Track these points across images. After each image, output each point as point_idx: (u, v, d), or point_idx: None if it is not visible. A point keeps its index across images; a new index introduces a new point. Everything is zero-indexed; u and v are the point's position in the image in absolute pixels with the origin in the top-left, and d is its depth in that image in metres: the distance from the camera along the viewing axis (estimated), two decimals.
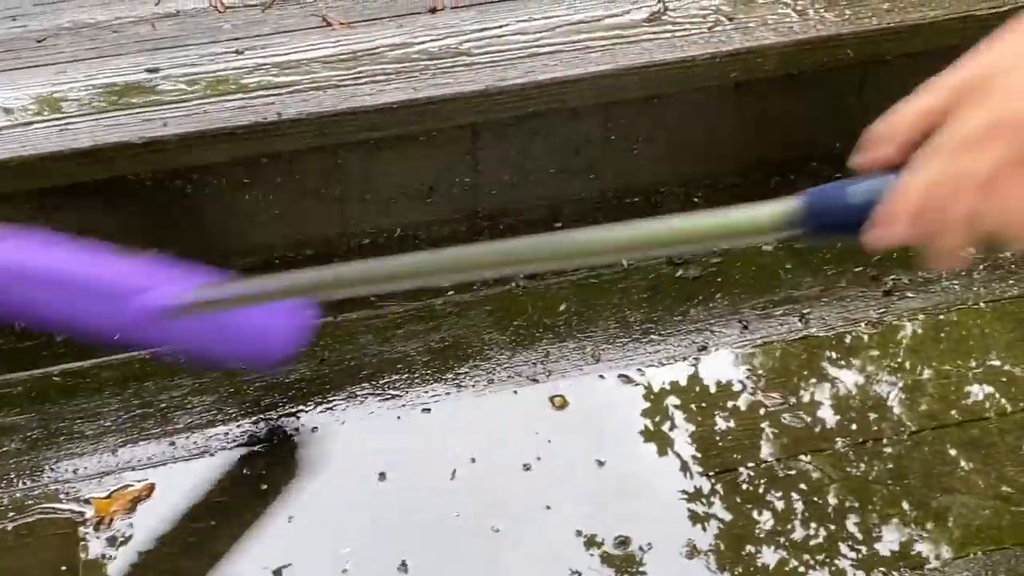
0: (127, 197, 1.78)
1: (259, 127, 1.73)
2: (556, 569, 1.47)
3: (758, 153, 2.02)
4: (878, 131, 0.86)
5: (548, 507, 1.54)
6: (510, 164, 1.92)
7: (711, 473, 1.58)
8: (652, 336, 1.77)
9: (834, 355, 1.73)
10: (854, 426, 1.63)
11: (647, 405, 1.67)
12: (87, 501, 1.56)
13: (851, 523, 1.52)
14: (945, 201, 0.79)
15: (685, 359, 1.74)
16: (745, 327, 1.77)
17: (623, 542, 1.49)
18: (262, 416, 1.66)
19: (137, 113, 1.74)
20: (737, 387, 1.69)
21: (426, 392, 1.70)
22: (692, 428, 1.64)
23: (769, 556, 1.49)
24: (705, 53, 1.85)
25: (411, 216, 1.93)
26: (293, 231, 1.89)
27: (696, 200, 2.00)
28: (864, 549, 1.49)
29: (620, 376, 1.71)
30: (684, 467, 1.58)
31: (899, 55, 1.95)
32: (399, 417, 1.66)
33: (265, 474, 1.59)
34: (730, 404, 1.67)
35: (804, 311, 1.79)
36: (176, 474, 1.59)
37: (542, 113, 1.85)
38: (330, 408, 1.68)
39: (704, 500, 1.55)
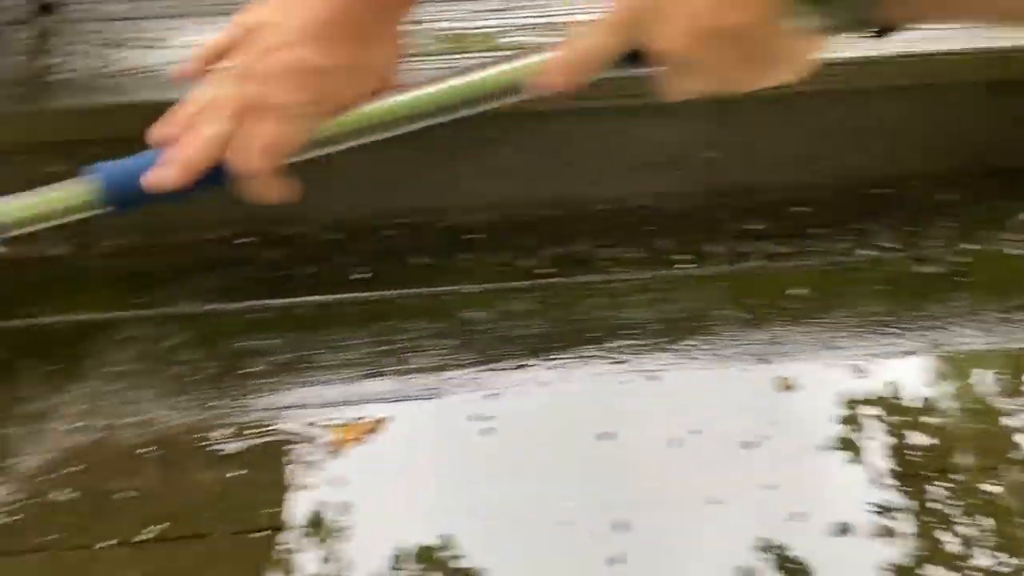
0: None
1: None
2: (768, 552, 1.47)
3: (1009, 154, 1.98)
4: (193, 53, 0.96)
5: (766, 487, 1.55)
6: (756, 143, 1.93)
7: (931, 475, 1.56)
8: (888, 329, 1.75)
9: None
10: None
11: (877, 398, 1.66)
12: (325, 427, 1.63)
13: None
14: (203, 117, 0.90)
15: (920, 356, 1.72)
16: (987, 330, 1.75)
17: (843, 529, 1.49)
18: (492, 366, 1.71)
19: None
20: (974, 391, 1.67)
21: (654, 360, 1.72)
22: (920, 429, 1.62)
23: None
24: (968, 48, 1.82)
25: (654, 187, 1.95)
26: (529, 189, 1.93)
27: (938, 196, 1.97)
28: None
29: (851, 366, 1.70)
30: (905, 468, 1.57)
31: None
32: (625, 381, 1.69)
33: (492, 421, 1.63)
34: (962, 407, 1.65)
35: None
36: (408, 411, 1.65)
37: (802, 94, 1.84)
38: (558, 366, 1.71)
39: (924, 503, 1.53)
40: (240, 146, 0.90)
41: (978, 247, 1.86)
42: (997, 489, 1.54)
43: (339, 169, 1.83)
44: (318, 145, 0.92)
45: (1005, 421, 1.63)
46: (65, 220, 0.95)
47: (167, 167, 0.91)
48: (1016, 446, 1.60)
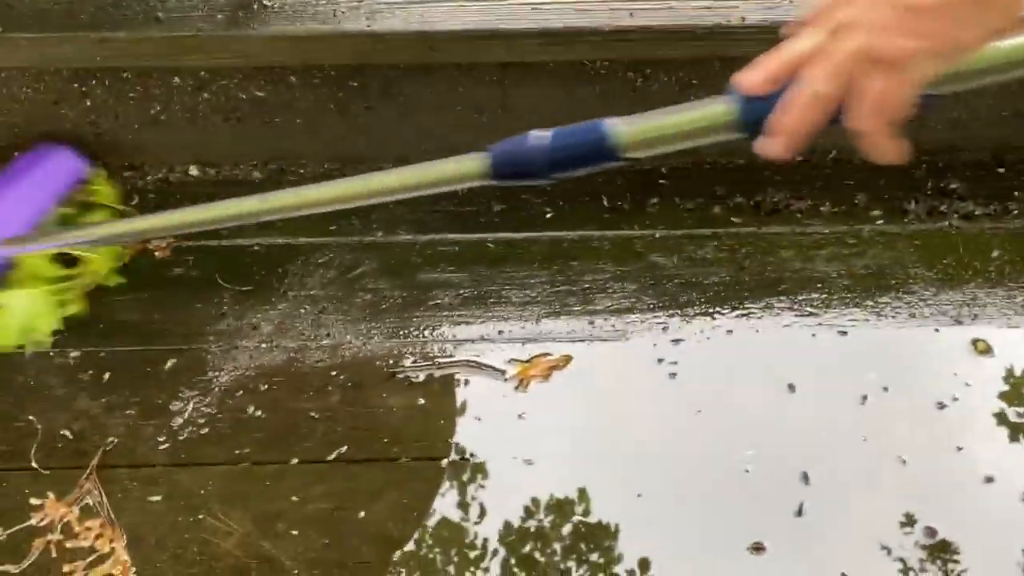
0: (581, 81, 1.84)
1: (720, 29, 1.74)
2: (958, 510, 1.44)
3: None
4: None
5: (959, 448, 1.51)
6: (961, 100, 1.87)
7: None
8: None
9: None
10: None
11: None
12: (509, 361, 1.64)
13: None
14: (807, 72, 0.85)
15: None
16: None
17: None
18: (678, 311, 1.70)
19: (606, 2, 1.78)
20: None
21: (844, 315, 1.69)
22: None
23: None
24: None
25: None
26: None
27: None
28: None
29: None
30: None
31: None
32: (814, 335, 1.66)
33: (676, 365, 1.63)
34: None
35: None
36: (593, 351, 1.65)
37: None
38: (746, 315, 1.69)
39: None
40: (852, 105, 0.83)
41: None
42: None
43: (526, 107, 1.85)
44: (938, 91, 0.85)
45: None
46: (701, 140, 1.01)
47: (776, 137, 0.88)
48: None
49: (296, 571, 1.42)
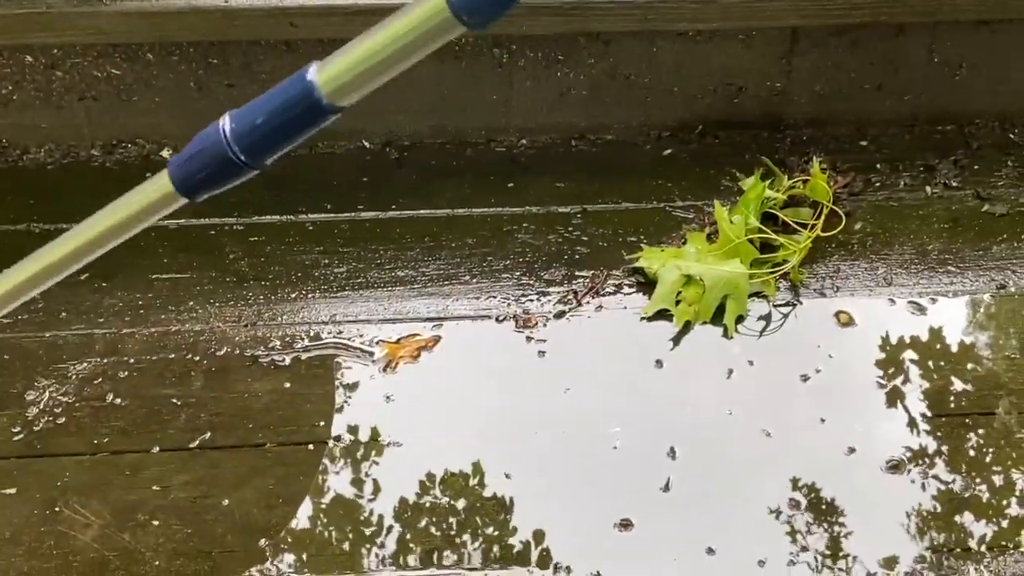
0: (446, 58, 1.82)
1: (585, 4, 1.74)
2: (825, 480, 1.46)
3: None
4: None
5: (822, 420, 1.53)
6: (823, 75, 1.89)
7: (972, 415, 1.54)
8: (949, 267, 1.72)
9: None
10: None
11: (935, 335, 1.63)
12: (377, 343, 1.62)
13: None
14: None
15: (981, 295, 1.69)
16: None
17: (895, 466, 1.47)
18: (546, 289, 1.69)
19: None
20: None
21: None
22: (977, 365, 1.60)
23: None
24: None
25: (715, 115, 1.92)
26: (597, 113, 1.91)
27: (1013, 136, 1.93)
28: None
29: (911, 303, 1.67)
30: (947, 410, 1.54)
31: None
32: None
33: (545, 343, 1.62)
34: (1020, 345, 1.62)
35: None
36: (462, 331, 1.64)
37: (867, 25, 1.80)
38: (613, 292, 1.69)
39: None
40: None
41: None
42: None
43: (403, 89, 1.83)
44: None
45: None
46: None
47: None
48: None
49: (157, 562, 1.38)
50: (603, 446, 1.50)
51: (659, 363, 1.59)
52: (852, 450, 1.49)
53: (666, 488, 1.45)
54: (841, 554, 1.38)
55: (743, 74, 1.88)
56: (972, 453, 1.49)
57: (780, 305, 1.67)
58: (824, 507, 1.43)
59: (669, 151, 1.92)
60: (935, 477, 1.46)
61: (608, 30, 1.79)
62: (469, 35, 1.78)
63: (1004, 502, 1.43)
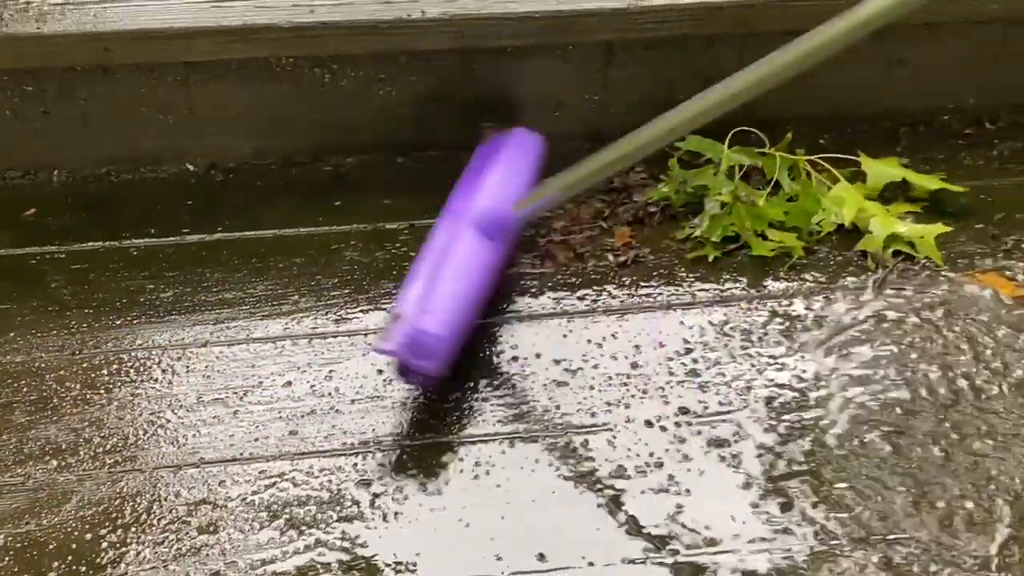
0: (267, 79, 1.83)
1: (401, 23, 1.76)
2: None
3: (892, 101, 2.01)
4: None
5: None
6: (639, 86, 1.94)
7: None
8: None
9: None
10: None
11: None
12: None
13: None
14: None
15: None
16: None
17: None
18: (377, 303, 1.70)
19: None
20: None
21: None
22: None
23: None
24: None
25: (536, 128, 1.95)
26: (421, 130, 1.93)
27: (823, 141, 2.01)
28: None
29: None
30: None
31: None
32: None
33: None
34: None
35: None
36: (298, 351, 1.64)
37: (679, 37, 1.86)
38: None
39: None
40: None
41: None
42: None
43: (212, 106, 1.82)
44: None
45: None
46: None
47: None
48: None
49: None
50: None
51: None
52: None
53: None
54: None
55: (562, 88, 1.92)
56: None
57: None
58: None
59: None
60: None
61: (427, 48, 1.81)
62: (288, 55, 1.79)
63: None
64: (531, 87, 1.91)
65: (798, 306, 1.73)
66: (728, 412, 1.58)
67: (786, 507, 1.47)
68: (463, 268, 1.59)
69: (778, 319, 1.71)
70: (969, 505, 1.47)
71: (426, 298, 1.54)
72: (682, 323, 1.70)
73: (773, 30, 1.86)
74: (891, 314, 1.72)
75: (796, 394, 1.60)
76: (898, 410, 1.59)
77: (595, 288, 1.75)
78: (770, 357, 1.65)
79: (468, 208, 1.66)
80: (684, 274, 1.78)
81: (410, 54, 1.83)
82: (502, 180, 1.70)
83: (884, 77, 1.99)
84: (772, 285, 1.76)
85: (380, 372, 1.62)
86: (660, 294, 1.74)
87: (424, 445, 1.54)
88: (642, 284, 1.76)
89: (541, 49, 1.85)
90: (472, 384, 1.61)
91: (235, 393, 1.59)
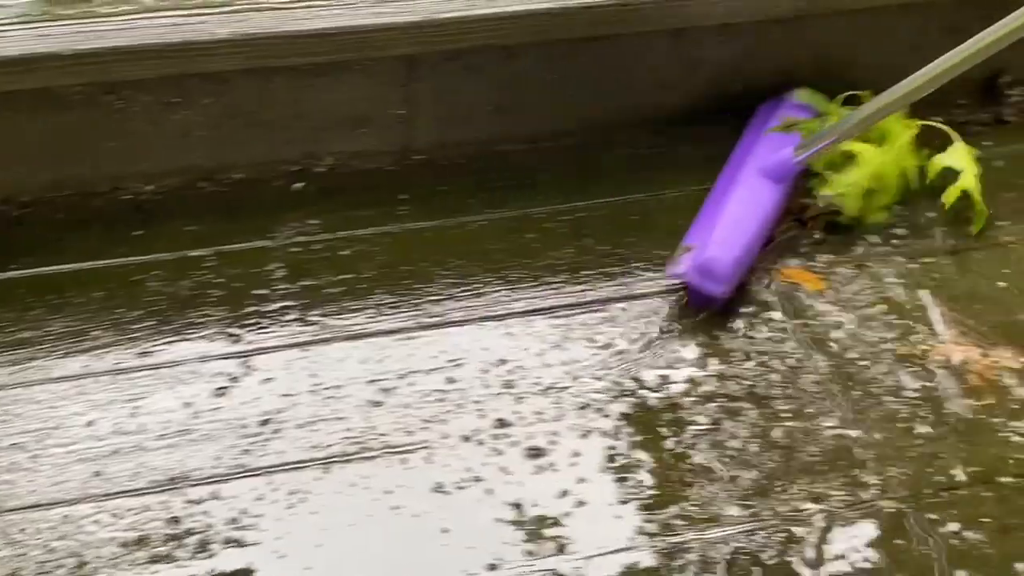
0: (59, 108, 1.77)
1: (189, 46, 1.72)
2: None
3: (691, 100, 2.03)
4: None
5: None
6: (445, 99, 1.92)
7: None
8: None
9: None
10: None
11: None
12: None
13: None
14: None
15: None
16: None
17: None
18: (177, 334, 1.66)
19: (69, 25, 1.72)
20: None
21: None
22: None
23: None
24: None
25: (342, 146, 1.93)
26: (223, 153, 1.88)
27: (634, 146, 2.02)
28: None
29: None
30: None
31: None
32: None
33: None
34: None
35: None
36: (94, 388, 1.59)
37: (479, 49, 1.85)
38: (252, 326, 1.68)
39: None
40: None
41: None
42: None
43: (15, 143, 1.76)
44: None
45: None
46: None
47: None
48: None
49: None
50: None
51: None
52: None
53: None
54: None
55: (365, 104, 1.90)
56: None
57: None
58: None
59: (300, 185, 1.92)
60: None
61: (219, 69, 1.77)
62: (75, 83, 1.73)
63: None
64: (333, 104, 1.88)
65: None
66: (544, 421, 1.58)
67: (605, 513, 1.47)
68: (747, 205, 1.79)
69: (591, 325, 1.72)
70: None
71: (714, 229, 1.74)
72: (502, 335, 1.69)
73: (577, 36, 1.89)
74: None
75: (611, 399, 1.61)
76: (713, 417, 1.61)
77: (413, 303, 1.73)
78: (583, 365, 1.66)
79: (751, 156, 1.86)
80: (498, 284, 1.77)
81: (203, 76, 1.79)
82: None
83: None
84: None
85: (187, 405, 1.57)
86: (474, 308, 1.73)
87: (236, 476, 1.50)
88: (458, 297, 1.75)
89: (340, 65, 1.82)
90: (286, 409, 1.57)
91: (34, 436, 1.53)
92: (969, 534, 1.47)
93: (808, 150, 1.83)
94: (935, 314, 1.74)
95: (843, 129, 1.82)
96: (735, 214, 1.77)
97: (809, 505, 1.49)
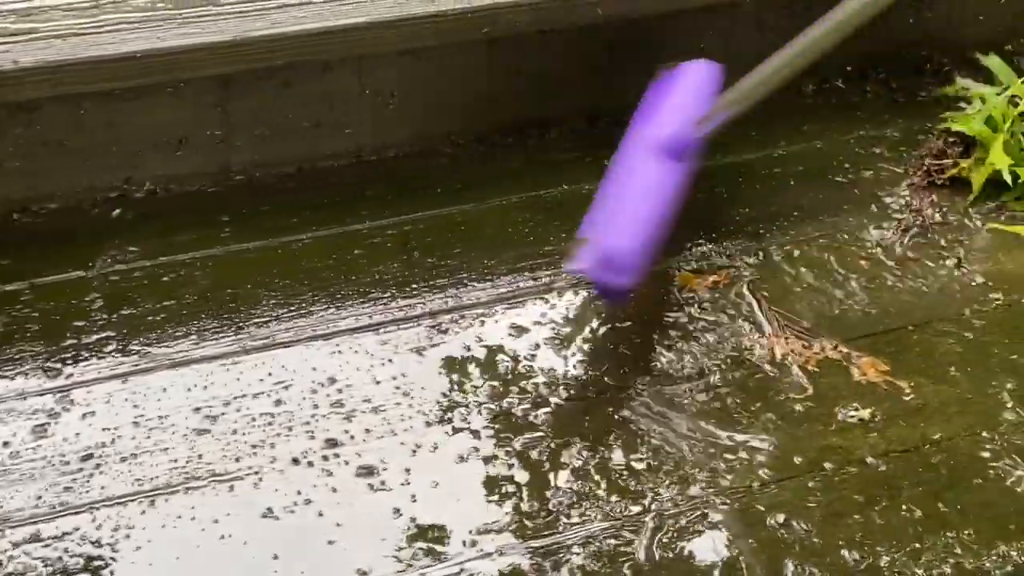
0: None
1: None
2: None
3: (514, 110, 2.04)
4: None
5: None
6: (262, 118, 1.90)
7: None
8: None
9: None
10: None
11: None
12: None
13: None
14: None
15: None
16: None
17: None
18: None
19: None
20: None
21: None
22: None
23: None
24: (456, 8, 1.87)
25: (161, 169, 1.89)
26: (36, 183, 1.84)
27: (457, 157, 2.02)
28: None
29: None
30: None
31: (649, 15, 2.00)
32: None
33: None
34: None
35: None
36: None
37: (292, 65, 1.83)
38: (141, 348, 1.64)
39: None
40: None
41: None
42: None
43: None
44: None
45: None
46: None
47: None
48: None
49: None
50: None
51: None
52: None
53: None
54: None
55: (181, 126, 1.87)
56: None
57: None
58: None
59: (118, 211, 1.88)
60: None
61: (27, 98, 1.73)
62: None
63: None
64: (148, 128, 1.84)
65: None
66: (375, 439, 1.57)
67: (437, 529, 1.47)
68: (647, 188, 1.71)
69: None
70: None
71: (613, 219, 1.67)
72: (330, 353, 1.68)
73: (384, 50, 1.88)
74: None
75: (442, 414, 1.61)
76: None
77: (238, 326, 1.71)
78: (412, 380, 1.65)
79: (648, 133, 1.77)
80: (325, 302, 1.76)
81: (10, 106, 1.74)
82: (680, 104, 1.81)
83: None
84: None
85: (6, 445, 1.53)
86: (302, 328, 1.71)
87: (57, 515, 1.46)
88: (284, 318, 1.73)
89: (151, 88, 1.79)
90: (108, 443, 1.54)
91: None
92: (796, 523, 1.49)
93: (711, 121, 1.78)
94: (758, 309, 1.78)
95: (740, 98, 1.79)
96: (633, 199, 1.71)
97: (636, 507, 1.50)
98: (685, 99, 1.82)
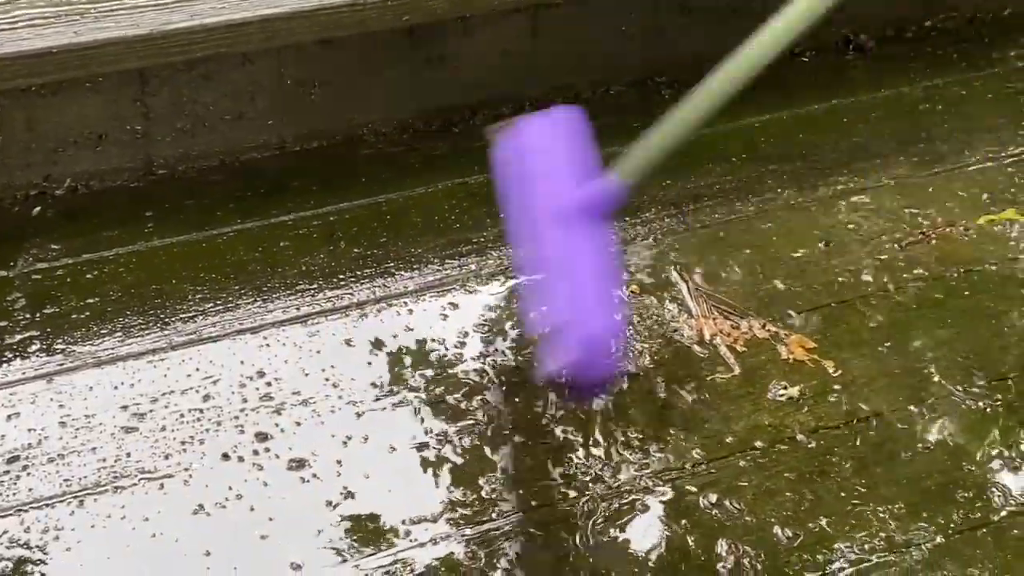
0: None
1: None
2: None
3: (436, 99, 2.03)
4: None
5: None
6: (183, 111, 1.88)
7: None
8: None
9: None
10: None
11: None
12: None
13: None
14: None
15: None
16: None
17: None
18: None
19: None
20: None
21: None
22: None
23: None
24: None
25: (82, 165, 1.87)
26: None
27: (381, 146, 2.01)
28: None
29: None
30: None
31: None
32: None
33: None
34: None
35: None
36: None
37: (212, 58, 1.81)
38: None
39: None
40: None
41: None
42: None
43: None
44: None
45: None
46: None
47: None
48: None
49: None
50: None
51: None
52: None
53: None
54: None
55: (100, 122, 1.84)
56: None
57: None
58: None
59: (39, 209, 1.85)
60: None
61: None
62: None
63: None
64: (67, 124, 1.82)
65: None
66: (305, 432, 1.56)
67: (371, 520, 1.46)
68: (590, 258, 1.53)
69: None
70: None
71: (572, 303, 1.50)
72: (258, 347, 1.66)
73: (305, 40, 1.87)
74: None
75: (373, 403, 1.60)
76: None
77: (164, 322, 1.69)
78: (341, 371, 1.64)
79: (554, 198, 1.55)
80: (252, 295, 1.74)
81: None
82: (569, 161, 1.58)
83: None
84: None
85: None
86: (229, 322, 1.70)
87: None
88: (211, 312, 1.71)
89: (69, 84, 1.77)
90: (35, 443, 1.51)
91: None
92: (729, 503, 1.50)
93: (638, 170, 1.52)
94: (685, 289, 1.79)
95: (670, 137, 1.51)
96: (582, 275, 1.52)
97: (571, 492, 1.51)
98: (563, 151, 1.60)
